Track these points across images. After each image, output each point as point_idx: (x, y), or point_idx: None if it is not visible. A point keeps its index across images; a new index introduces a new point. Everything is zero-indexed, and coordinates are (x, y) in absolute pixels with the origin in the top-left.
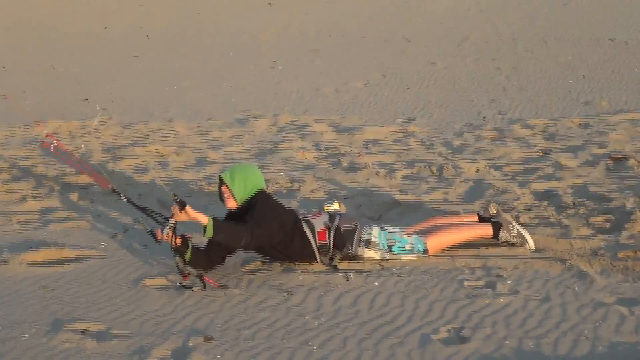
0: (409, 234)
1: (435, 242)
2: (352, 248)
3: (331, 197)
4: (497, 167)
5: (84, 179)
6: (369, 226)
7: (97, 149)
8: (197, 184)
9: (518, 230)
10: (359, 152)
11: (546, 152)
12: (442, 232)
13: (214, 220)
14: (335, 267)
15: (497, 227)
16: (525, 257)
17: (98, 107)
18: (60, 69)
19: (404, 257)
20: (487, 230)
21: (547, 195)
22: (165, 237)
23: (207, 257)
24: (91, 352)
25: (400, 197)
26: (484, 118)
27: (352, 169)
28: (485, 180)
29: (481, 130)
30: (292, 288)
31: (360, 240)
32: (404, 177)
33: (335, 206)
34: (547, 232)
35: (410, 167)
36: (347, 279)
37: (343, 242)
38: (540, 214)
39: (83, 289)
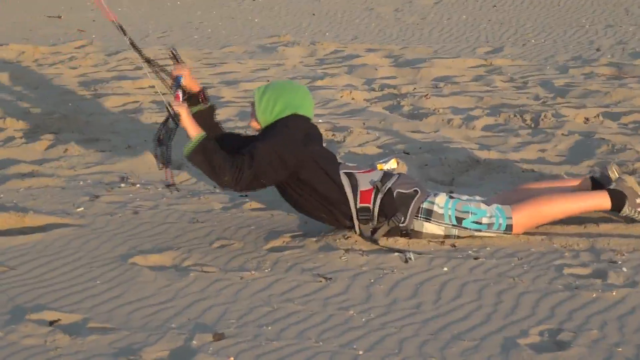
0: (488, 204)
1: (526, 216)
2: (404, 219)
3: (387, 152)
4: (614, 116)
5: (55, 122)
6: (434, 193)
7: (72, 83)
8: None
9: None
10: (425, 93)
11: None
12: (537, 203)
13: (204, 139)
14: (375, 242)
15: (618, 197)
16: None
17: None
18: None
19: (478, 235)
20: (603, 200)
21: None
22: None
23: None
24: (62, 351)
25: (480, 153)
26: (597, 49)
27: (416, 115)
28: (596, 134)
29: (594, 67)
30: (332, 272)
31: (419, 210)
32: (486, 128)
33: (391, 164)
34: None
35: (495, 115)
36: (406, 261)
37: (394, 209)
38: None
39: (52, 267)
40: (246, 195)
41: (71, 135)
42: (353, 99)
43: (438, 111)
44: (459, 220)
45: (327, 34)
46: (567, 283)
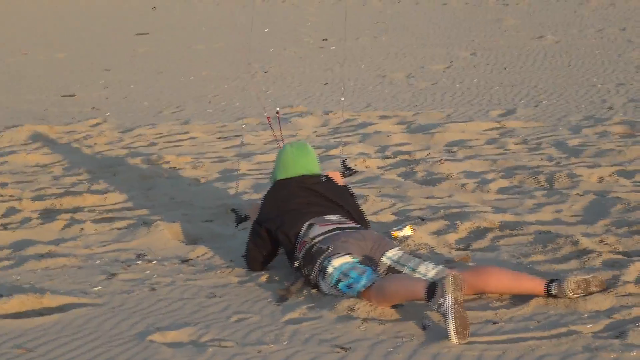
0: (374, 272)
1: (376, 291)
2: (311, 271)
3: (402, 219)
4: (629, 175)
5: (71, 201)
6: (341, 255)
7: (87, 163)
8: (221, 204)
9: (445, 310)
10: (439, 159)
11: None
12: (384, 283)
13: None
14: (283, 296)
15: (431, 289)
16: None
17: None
18: (23, 50)
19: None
20: (421, 291)
21: None
22: None
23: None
24: None
25: (495, 217)
26: (610, 108)
27: (430, 181)
28: (611, 193)
29: (607, 125)
30: (350, 342)
31: (320, 267)
32: (500, 190)
33: (406, 231)
34: None
35: (510, 177)
36: (424, 328)
37: (309, 262)
38: None
39: (71, 347)
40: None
41: (87, 214)
42: (367, 166)
43: (452, 176)
44: (338, 281)
45: (339, 102)
46: (586, 344)
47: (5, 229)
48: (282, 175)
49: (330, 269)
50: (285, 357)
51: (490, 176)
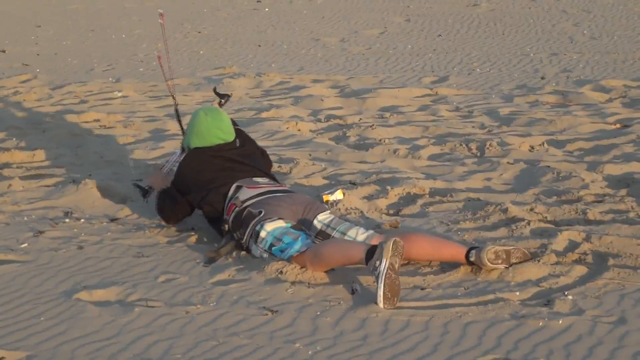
0: (307, 237)
1: (312, 256)
2: (243, 236)
3: (333, 184)
4: (559, 144)
5: None
6: (273, 219)
7: (15, 119)
8: (152, 164)
9: (378, 275)
10: (371, 124)
11: (626, 125)
12: (320, 248)
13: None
14: (212, 258)
15: (370, 252)
16: (592, 264)
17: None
18: None
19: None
20: (360, 251)
21: (626, 182)
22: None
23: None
24: None
25: (426, 183)
26: (542, 78)
27: (362, 145)
28: (542, 162)
29: (539, 95)
30: (278, 305)
31: (252, 231)
32: (432, 157)
33: (337, 195)
34: (624, 231)
35: (441, 144)
36: (353, 292)
37: (239, 226)
38: (615, 207)
39: None
40: (192, 228)
41: (15, 170)
42: (299, 130)
43: (384, 141)
44: (271, 246)
45: (272, 65)
46: (513, 311)
47: None
48: (196, 144)
49: (263, 234)
50: (212, 318)
51: (421, 142)
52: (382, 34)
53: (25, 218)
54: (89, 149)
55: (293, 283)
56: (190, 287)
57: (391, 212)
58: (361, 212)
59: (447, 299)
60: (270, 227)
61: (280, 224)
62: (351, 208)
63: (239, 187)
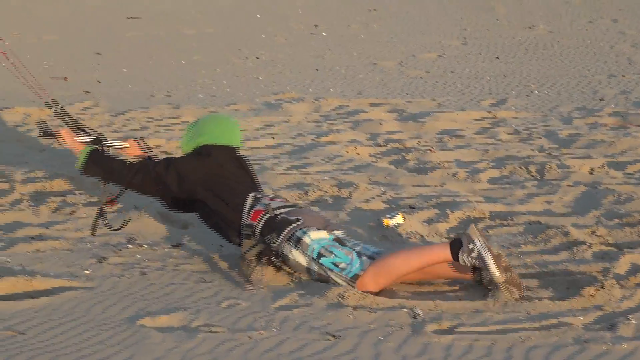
0: (359, 257)
1: (373, 270)
2: (276, 239)
3: (393, 208)
4: (620, 166)
5: (62, 184)
6: (315, 229)
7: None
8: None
9: (479, 252)
10: (430, 148)
11: None
12: (382, 259)
13: (93, 151)
14: (243, 259)
15: (455, 245)
16: None
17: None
18: (14, 33)
19: (332, 275)
20: (443, 250)
21: None
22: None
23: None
24: None
25: (486, 207)
26: (601, 99)
27: (421, 169)
28: (602, 185)
29: (598, 117)
30: (341, 330)
31: (291, 236)
32: (491, 180)
33: (398, 220)
34: None
35: (501, 167)
36: (415, 317)
37: (271, 230)
38: None
39: (61, 330)
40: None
41: (78, 197)
42: (358, 154)
43: (443, 165)
44: (320, 255)
45: (331, 89)
46: (576, 336)
47: None
48: (216, 141)
49: (307, 240)
50: (275, 343)
51: (481, 166)
52: (439, 57)
53: (89, 245)
54: None
55: (355, 308)
56: (253, 313)
57: (452, 235)
58: (421, 235)
59: (509, 324)
60: (315, 236)
61: (323, 234)
62: (411, 232)
63: (257, 198)
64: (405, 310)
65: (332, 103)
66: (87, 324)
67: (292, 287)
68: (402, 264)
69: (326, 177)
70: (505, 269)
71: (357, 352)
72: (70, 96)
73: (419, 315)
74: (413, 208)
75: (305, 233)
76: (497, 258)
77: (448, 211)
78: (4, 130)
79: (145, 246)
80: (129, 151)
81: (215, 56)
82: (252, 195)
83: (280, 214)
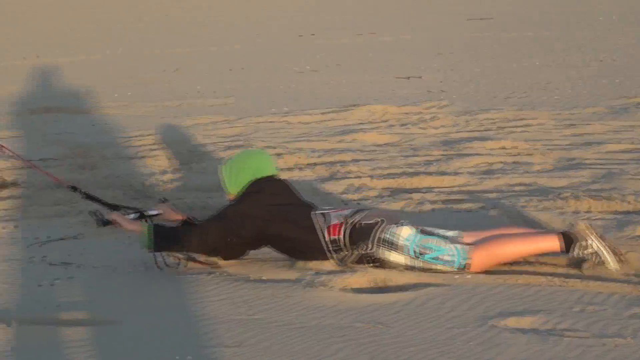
0: (452, 241)
1: (482, 256)
2: (369, 247)
3: None
4: None
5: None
6: (398, 225)
7: (427, 142)
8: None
9: (596, 250)
10: None
11: None
12: (492, 244)
13: (154, 227)
14: (345, 264)
15: (568, 239)
16: None
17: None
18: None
19: (439, 267)
20: (554, 242)
21: None
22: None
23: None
24: None
25: None
26: None
27: None
28: None
29: None
30: None
31: (380, 239)
32: None
33: None
34: None
35: None
36: None
37: (359, 238)
38: None
39: (423, 327)
40: None
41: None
42: None
43: None
44: (420, 254)
45: None
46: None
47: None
48: (254, 176)
49: (400, 241)
50: (633, 351)
51: None
52: None
53: None
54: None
55: None
56: (605, 318)
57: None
58: None
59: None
60: (405, 233)
61: (408, 230)
62: None
63: (324, 214)
64: None
65: None
66: (453, 321)
67: None
68: (512, 252)
69: None
70: (621, 260)
71: None
72: (413, 95)
73: None
74: None
75: (392, 233)
76: (613, 250)
77: None
78: None
79: None
80: (165, 216)
81: (567, 59)
82: (315, 213)
83: (357, 220)
